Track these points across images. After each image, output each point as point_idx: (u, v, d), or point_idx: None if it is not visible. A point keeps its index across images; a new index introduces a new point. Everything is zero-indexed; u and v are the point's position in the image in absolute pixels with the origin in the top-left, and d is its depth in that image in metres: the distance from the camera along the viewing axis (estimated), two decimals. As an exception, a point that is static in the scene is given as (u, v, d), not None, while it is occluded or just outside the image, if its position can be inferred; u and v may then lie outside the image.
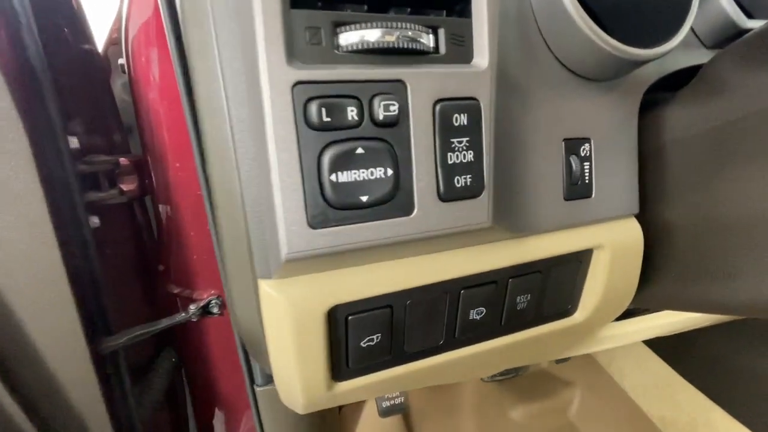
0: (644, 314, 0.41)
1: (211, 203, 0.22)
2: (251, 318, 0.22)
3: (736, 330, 0.59)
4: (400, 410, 0.54)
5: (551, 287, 0.25)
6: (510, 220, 0.22)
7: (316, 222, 0.17)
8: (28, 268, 0.31)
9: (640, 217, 0.27)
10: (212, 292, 0.49)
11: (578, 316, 0.28)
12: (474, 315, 0.23)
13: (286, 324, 0.19)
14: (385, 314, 0.21)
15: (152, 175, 0.45)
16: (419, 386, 0.38)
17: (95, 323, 0.40)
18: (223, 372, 0.53)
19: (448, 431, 0.77)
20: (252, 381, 0.45)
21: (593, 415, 0.80)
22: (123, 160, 0.44)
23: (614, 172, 0.25)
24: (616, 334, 0.39)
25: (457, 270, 0.22)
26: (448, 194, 0.19)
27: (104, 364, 0.39)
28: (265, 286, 0.19)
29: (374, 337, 0.21)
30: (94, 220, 0.41)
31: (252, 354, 0.30)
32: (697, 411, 0.66)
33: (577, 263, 0.26)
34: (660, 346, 0.71)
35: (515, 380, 0.86)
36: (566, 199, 0.24)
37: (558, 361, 0.84)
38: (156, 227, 0.49)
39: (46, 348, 0.34)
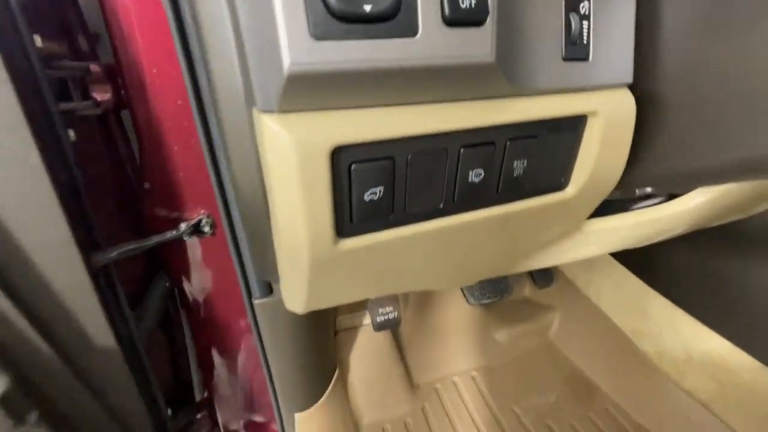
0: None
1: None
2: (250, 174, 0.22)
3: (703, 240, 0.63)
4: (395, 323, 0.56)
5: (546, 154, 0.26)
6: (510, 70, 0.22)
7: (318, 31, 0.17)
8: (12, 179, 0.29)
9: (632, 89, 0.28)
10: (202, 211, 0.49)
11: (570, 190, 0.29)
12: (473, 177, 0.24)
13: (291, 162, 0.18)
14: (387, 166, 0.21)
15: (127, 84, 0.42)
16: (416, 284, 0.39)
17: (85, 237, 0.39)
18: (218, 292, 0.53)
19: (437, 352, 0.81)
20: (249, 295, 0.46)
21: (571, 334, 0.86)
22: (94, 67, 0.41)
23: (611, 37, 0.25)
24: (598, 230, 0.41)
25: (458, 121, 0.22)
26: (453, 16, 0.18)
27: (98, 278, 0.39)
28: (268, 121, 0.18)
29: (377, 190, 0.21)
30: (71, 133, 0.39)
31: (252, 241, 0.30)
32: (666, 320, 0.71)
33: (571, 131, 0.26)
34: (633, 259, 0.76)
35: (499, 306, 0.91)
36: (564, 59, 0.24)
37: (540, 287, 0.89)
38: (137, 144, 0.47)
39: (39, 256, 0.34)
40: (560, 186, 0.29)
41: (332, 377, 0.65)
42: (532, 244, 0.36)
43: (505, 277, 0.82)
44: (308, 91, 0.18)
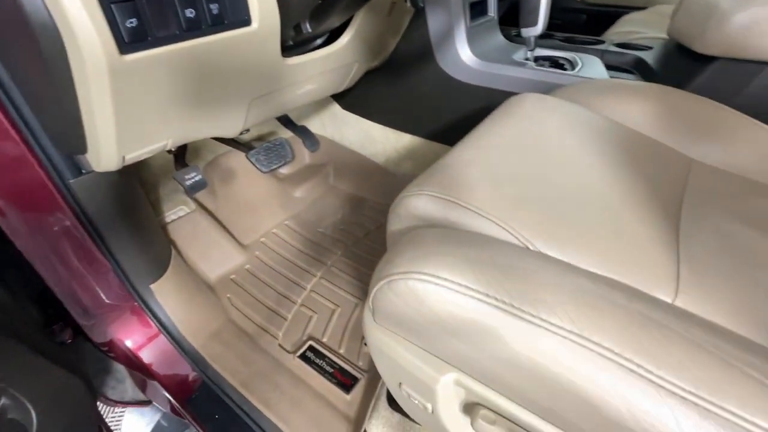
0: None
1: None
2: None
3: (386, 79, 1.01)
4: (203, 184, 0.74)
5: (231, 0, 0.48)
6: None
7: None
8: None
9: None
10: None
11: (255, 24, 0.52)
12: (188, 14, 0.43)
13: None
14: (131, 7, 0.38)
15: None
16: (198, 125, 0.58)
17: None
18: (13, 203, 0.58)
19: (253, 219, 1.04)
20: (61, 178, 0.56)
21: (342, 174, 1.22)
22: None
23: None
24: (296, 63, 0.67)
25: None
26: None
27: None
28: None
29: (133, 20, 0.39)
30: None
31: (56, 117, 0.43)
32: (383, 138, 1.12)
33: None
34: (357, 107, 1.13)
35: (291, 174, 1.18)
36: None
37: (312, 151, 1.19)
38: None
39: None
40: (247, 23, 0.51)
41: (170, 253, 0.80)
42: (254, 78, 0.59)
43: (285, 147, 1.08)
44: None
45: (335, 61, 0.76)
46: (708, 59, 0.67)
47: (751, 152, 0.55)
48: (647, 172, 0.48)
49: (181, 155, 0.79)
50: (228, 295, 0.87)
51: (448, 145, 0.94)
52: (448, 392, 0.37)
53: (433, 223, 0.40)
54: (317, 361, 0.73)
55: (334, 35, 0.76)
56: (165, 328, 0.75)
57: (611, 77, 0.81)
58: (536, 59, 0.88)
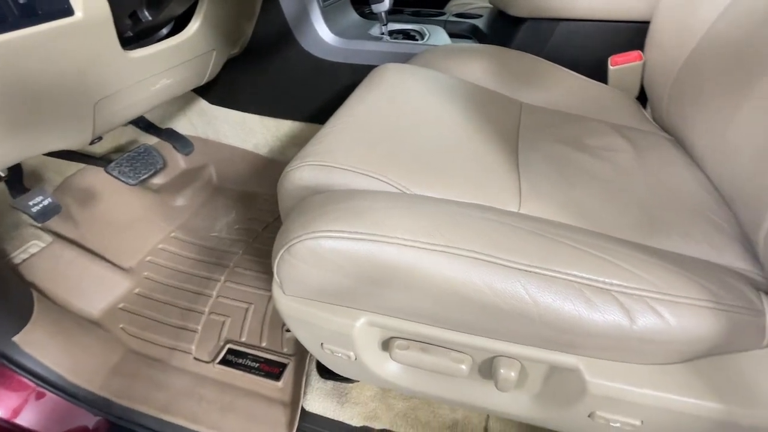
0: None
1: None
2: None
3: (246, 59, 0.98)
4: (56, 208, 0.63)
5: None
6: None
7: None
8: None
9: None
10: None
11: (79, 14, 0.46)
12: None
13: None
14: None
15: None
16: (47, 132, 0.50)
17: None
18: None
19: (131, 238, 0.93)
20: None
21: (225, 173, 1.15)
22: None
23: None
24: (139, 56, 0.61)
25: None
26: None
27: None
28: None
29: None
30: None
31: None
32: (261, 128, 1.09)
33: None
34: (228, 102, 1.08)
35: (167, 184, 1.08)
36: None
37: (186, 153, 1.10)
38: None
39: None
40: (68, 12, 0.45)
41: (32, 297, 0.68)
42: (94, 76, 0.53)
43: (152, 153, 0.97)
44: None
45: (189, 51, 0.72)
46: (520, 21, 0.81)
47: (560, 91, 0.70)
48: (490, 116, 0.58)
49: (16, 180, 0.67)
50: (121, 326, 0.78)
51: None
52: (363, 334, 0.40)
53: (318, 189, 0.43)
54: (239, 360, 0.71)
55: (182, 23, 0.71)
56: (46, 381, 0.65)
57: (454, 43, 0.92)
58: (390, 33, 0.94)
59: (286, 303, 0.41)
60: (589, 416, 0.36)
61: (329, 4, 0.93)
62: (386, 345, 0.42)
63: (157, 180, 1.08)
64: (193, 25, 0.70)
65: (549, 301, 0.31)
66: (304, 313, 0.41)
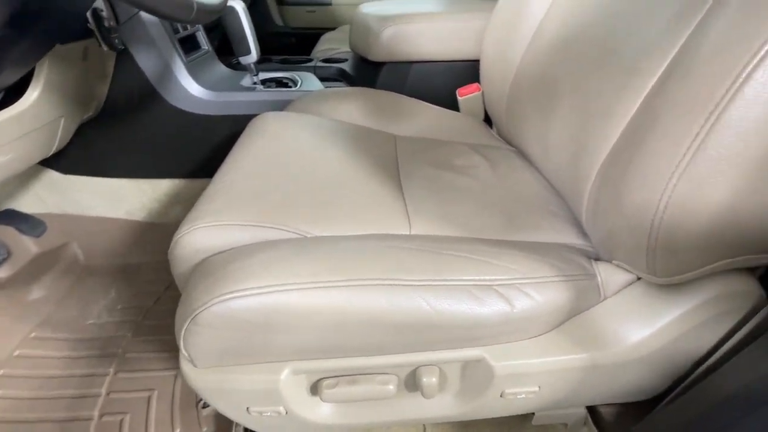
0: None
1: None
2: None
3: (105, 121, 0.89)
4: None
5: None
6: None
7: None
8: None
9: None
10: None
11: None
12: None
13: None
14: None
15: None
16: None
17: None
18: None
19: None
20: None
21: (94, 249, 1.01)
22: None
23: None
24: None
25: None
26: None
27: None
28: None
29: None
30: None
31: None
32: (148, 195, 0.99)
33: None
34: (67, 164, 0.95)
35: (15, 276, 0.90)
36: None
37: (36, 236, 0.93)
38: None
39: None
40: None
41: None
42: None
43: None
44: None
45: (30, 121, 0.63)
46: (379, 64, 0.92)
47: (424, 122, 0.80)
48: (370, 151, 0.64)
49: None
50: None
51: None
52: (290, 385, 0.40)
53: (215, 250, 0.42)
54: (151, 460, 0.62)
55: (19, 90, 0.62)
56: None
57: (326, 87, 0.98)
58: (263, 82, 0.96)
59: (200, 377, 0.39)
60: (501, 396, 0.42)
61: (194, 59, 0.92)
62: (314, 389, 0.42)
63: (1, 273, 0.89)
64: (33, 93, 0.63)
65: (446, 306, 0.35)
66: (223, 382, 0.39)
